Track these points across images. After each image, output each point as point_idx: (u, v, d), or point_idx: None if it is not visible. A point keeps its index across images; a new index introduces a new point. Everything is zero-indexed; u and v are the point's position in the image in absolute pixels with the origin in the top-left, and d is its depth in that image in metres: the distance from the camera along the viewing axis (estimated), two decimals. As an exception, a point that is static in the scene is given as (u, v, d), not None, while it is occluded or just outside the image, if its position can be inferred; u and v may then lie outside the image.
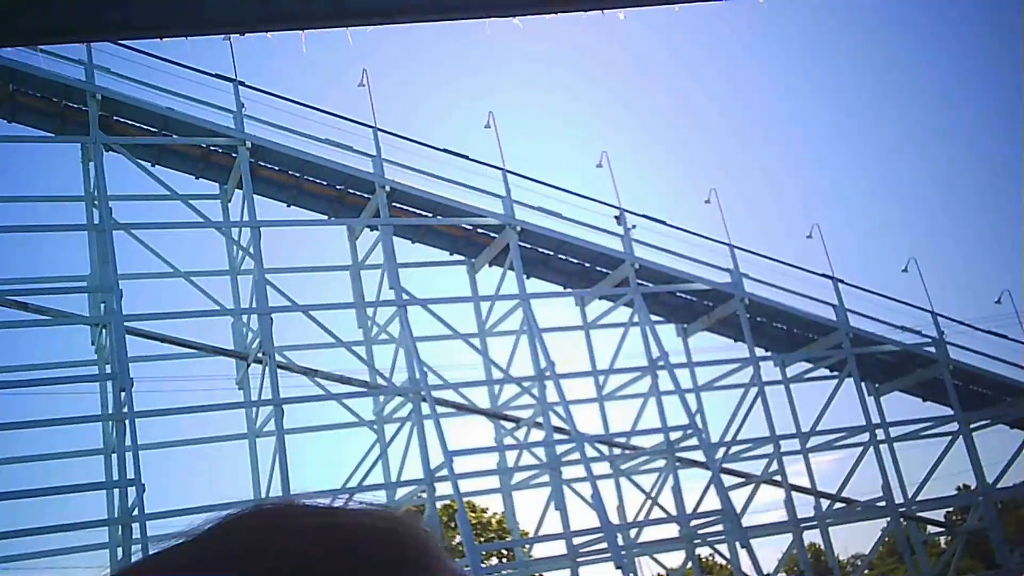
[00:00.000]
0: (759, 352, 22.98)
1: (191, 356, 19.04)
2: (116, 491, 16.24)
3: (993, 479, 23.66)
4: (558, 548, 19.45)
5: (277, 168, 19.80)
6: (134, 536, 15.57)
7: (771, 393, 22.43)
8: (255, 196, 18.93)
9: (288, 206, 20.36)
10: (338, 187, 20.33)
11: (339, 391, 19.57)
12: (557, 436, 19.61)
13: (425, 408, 18.52)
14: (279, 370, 18.01)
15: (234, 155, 19.08)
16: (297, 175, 19.93)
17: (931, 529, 25.35)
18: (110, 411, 17.01)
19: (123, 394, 16.36)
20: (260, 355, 18.11)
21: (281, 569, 0.49)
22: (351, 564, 0.50)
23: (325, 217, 20.82)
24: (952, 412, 23.53)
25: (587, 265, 22.45)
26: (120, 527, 16.01)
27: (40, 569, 17.44)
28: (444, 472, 17.75)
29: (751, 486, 22.39)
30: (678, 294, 23.24)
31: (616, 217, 22.64)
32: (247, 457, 19.24)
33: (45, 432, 24.46)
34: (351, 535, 0.52)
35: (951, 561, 24.09)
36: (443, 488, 18.42)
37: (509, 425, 21.43)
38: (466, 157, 21.62)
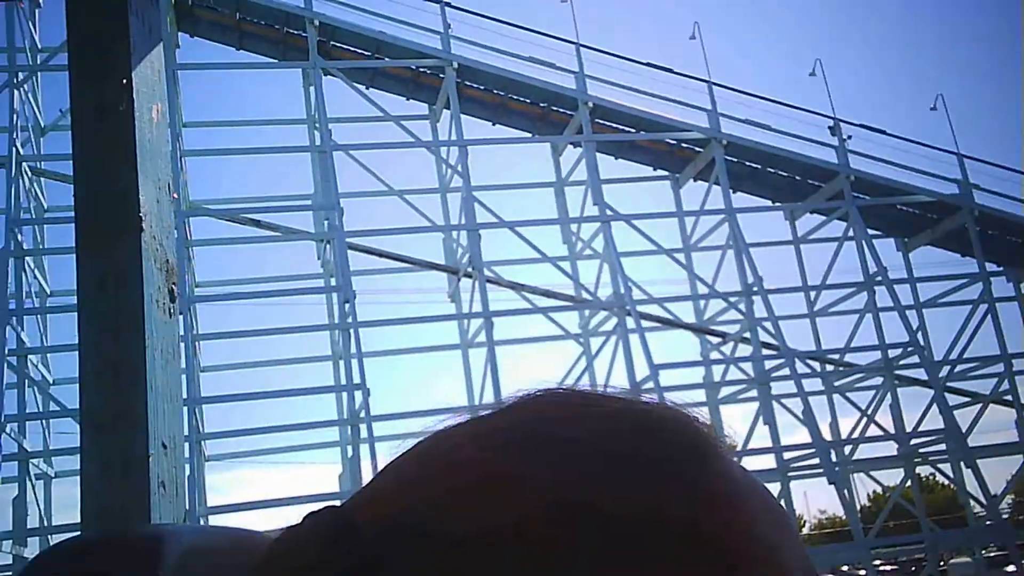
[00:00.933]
0: (990, 268, 21.44)
1: (406, 271, 20.02)
2: (344, 394, 17.45)
3: None
4: (768, 462, 19.15)
5: (482, 87, 20.19)
6: (361, 435, 16.73)
7: (1003, 310, 20.94)
8: (462, 116, 19.45)
9: (493, 125, 20.76)
10: (541, 105, 20.50)
11: (545, 305, 19.99)
12: (765, 352, 19.22)
13: (630, 322, 18.60)
14: (488, 284, 18.59)
15: (441, 76, 19.62)
16: (502, 94, 20.26)
17: None
18: (336, 321, 18.22)
19: (347, 305, 17.43)
20: (470, 270, 18.78)
21: (587, 439, 0.46)
22: (656, 442, 0.47)
23: (529, 135, 21.10)
24: None
25: (797, 178, 21.59)
26: (349, 427, 17.24)
27: (279, 464, 19.17)
28: (650, 385, 17.83)
29: (978, 406, 21.07)
30: (898, 207, 21.95)
31: (830, 128, 21.58)
32: (460, 366, 20.16)
33: (278, 339, 26.58)
34: (651, 417, 0.49)
35: None
36: (650, 401, 18.51)
37: (715, 340, 21.18)
38: (670, 70, 21.24)
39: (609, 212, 19.71)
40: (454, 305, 20.41)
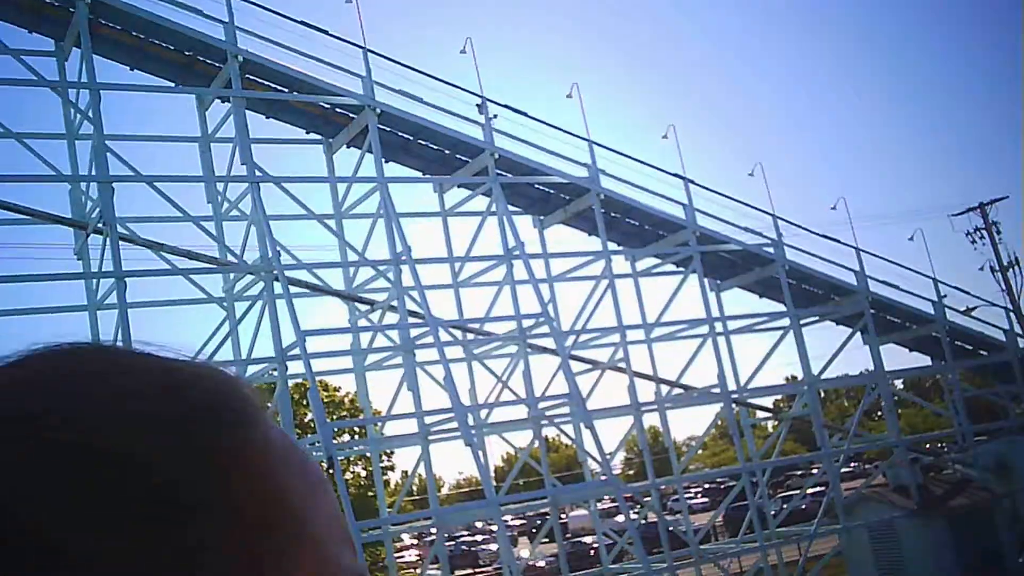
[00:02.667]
0: (611, 246, 23.59)
1: (24, 223, 17.92)
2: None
3: (818, 371, 25.42)
4: (410, 427, 19.75)
5: (120, 27, 18.50)
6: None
7: (620, 286, 23.21)
8: (95, 56, 17.70)
9: (132, 70, 19.14)
10: (187, 53, 19.23)
11: (186, 267, 18.90)
12: (411, 320, 19.66)
13: (277, 287, 18.13)
14: (121, 242, 17.19)
15: (72, 9, 17.70)
16: (142, 36, 18.71)
17: (759, 415, 27.09)
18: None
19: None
20: (100, 225, 17.21)
21: (98, 395, 0.46)
22: (180, 404, 0.47)
23: (172, 84, 19.73)
24: (785, 308, 24.95)
25: (447, 152, 22.26)
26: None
27: None
28: (296, 351, 17.55)
29: (597, 372, 23.27)
30: (536, 186, 23.44)
31: (478, 105, 22.43)
32: (87, 331, 18.41)
33: None
34: (182, 378, 0.49)
35: (776, 443, 25.98)
36: (295, 367, 18.28)
37: (363, 308, 21.34)
38: (325, 32, 20.84)
39: (258, 173, 19.00)
40: (81, 263, 18.62)
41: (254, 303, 19.26)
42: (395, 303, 19.89)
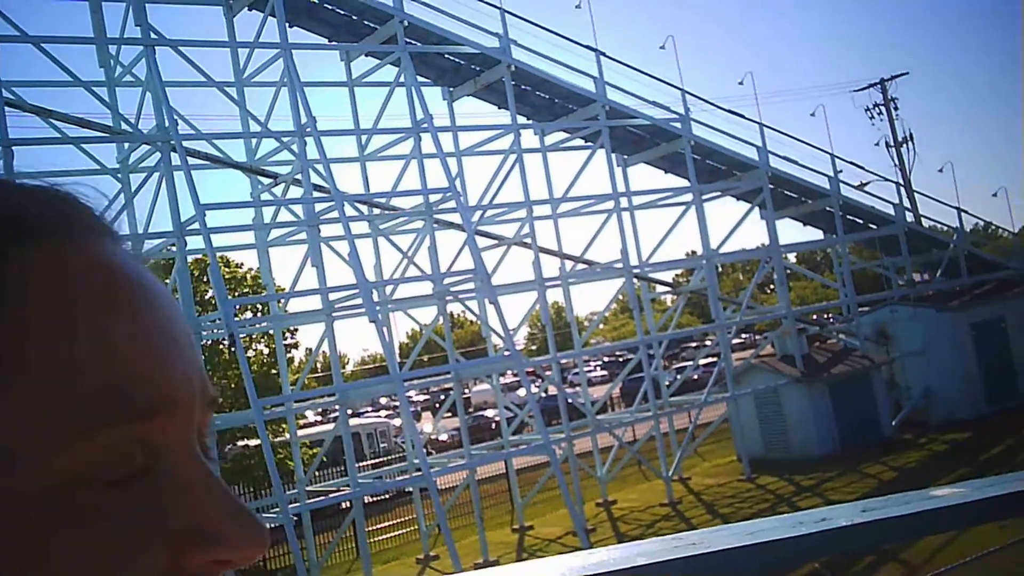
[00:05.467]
0: (521, 120, 23.43)
1: None
2: None
3: (717, 245, 26.18)
4: (314, 303, 19.80)
5: None
6: None
7: (529, 161, 23.21)
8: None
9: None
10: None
11: (77, 135, 18.11)
12: (316, 194, 19.38)
13: (175, 158, 17.59)
14: (7, 108, 16.31)
15: None
16: None
17: (659, 289, 27.95)
18: None
19: None
20: (-21, 90, 16.25)
21: None
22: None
23: (55, -63, 18.34)
24: (689, 184, 25.42)
25: (354, 18, 21.45)
26: None
27: None
28: (196, 226, 17.22)
29: (503, 248, 23.53)
30: (447, 56, 22.92)
31: (387, -32, 21.54)
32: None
33: None
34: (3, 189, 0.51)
35: (673, 317, 26.99)
36: (194, 242, 17.96)
37: (266, 181, 20.91)
38: None
39: (154, 36, 18.07)
40: (-38, 131, 17.62)
41: (151, 175, 18.70)
42: (299, 176, 19.52)
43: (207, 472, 0.50)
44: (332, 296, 19.02)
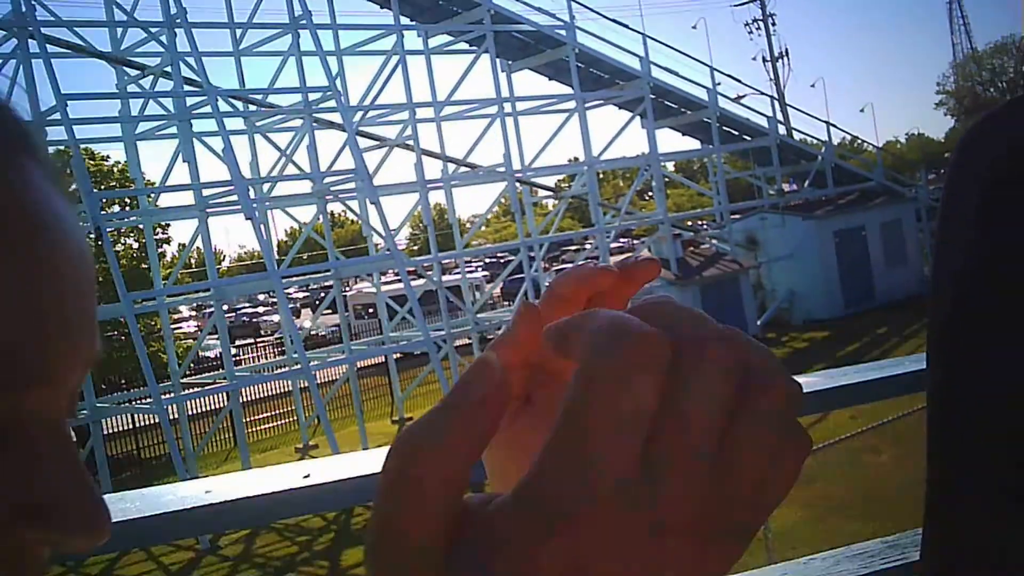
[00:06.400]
0: (404, 21, 23.00)
1: None
2: None
3: (598, 152, 26.59)
4: (186, 199, 19.27)
5: None
6: None
7: (412, 63, 22.85)
8: None
9: None
10: None
11: (-78, 18, 16.89)
12: (188, 88, 18.70)
13: (33, 46, 16.67)
14: None
15: None
16: None
17: (541, 193, 28.30)
18: None
19: None
20: None
21: None
22: None
23: None
24: (572, 92, 25.59)
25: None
26: None
27: None
28: (57, 116, 16.48)
29: (385, 149, 23.30)
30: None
31: None
32: None
33: None
34: None
35: (554, 220, 27.43)
36: (56, 134, 17.16)
37: (134, 73, 20.01)
38: None
39: (3, -89, 16.87)
40: None
41: (6, 62, 17.62)
42: (168, 69, 18.76)
43: (66, 446, 0.43)
44: (206, 192, 18.54)
